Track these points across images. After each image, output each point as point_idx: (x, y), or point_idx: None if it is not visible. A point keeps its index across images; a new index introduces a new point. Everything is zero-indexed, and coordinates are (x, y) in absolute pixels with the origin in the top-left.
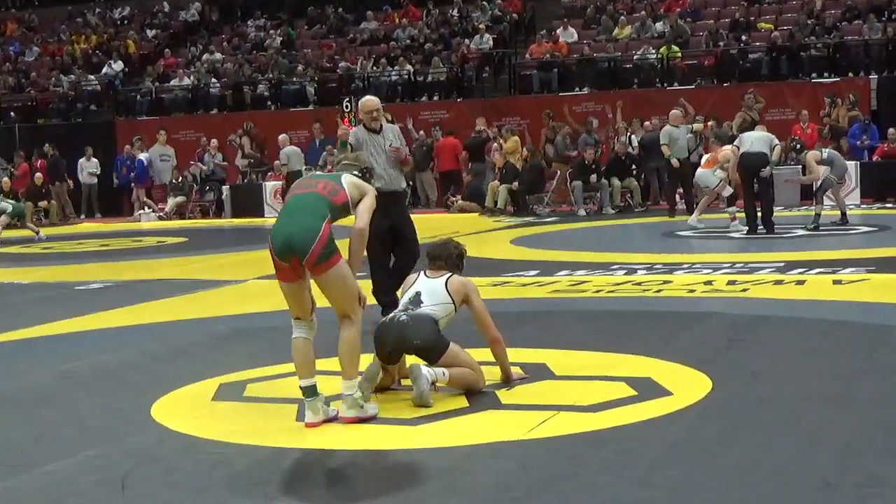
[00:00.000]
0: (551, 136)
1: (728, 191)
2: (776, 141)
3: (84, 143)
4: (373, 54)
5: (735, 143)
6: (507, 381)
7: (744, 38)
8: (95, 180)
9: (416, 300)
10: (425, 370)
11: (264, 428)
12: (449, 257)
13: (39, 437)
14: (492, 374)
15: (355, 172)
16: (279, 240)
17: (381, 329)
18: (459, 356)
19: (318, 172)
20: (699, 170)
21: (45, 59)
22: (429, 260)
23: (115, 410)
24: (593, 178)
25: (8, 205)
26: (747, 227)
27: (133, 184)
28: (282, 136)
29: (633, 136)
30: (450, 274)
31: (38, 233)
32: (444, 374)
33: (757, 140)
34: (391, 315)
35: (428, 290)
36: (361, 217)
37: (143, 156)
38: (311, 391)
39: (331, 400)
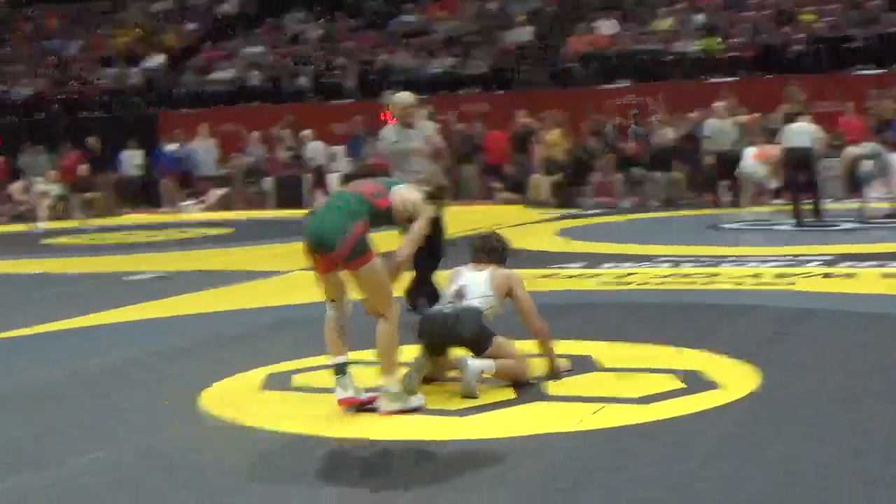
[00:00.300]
0: (593, 128)
1: (774, 183)
2: (819, 132)
3: (127, 135)
4: (413, 47)
5: (778, 138)
6: (554, 373)
7: (786, 29)
8: (138, 172)
9: (461, 293)
10: (472, 362)
11: (311, 417)
12: (493, 250)
13: (85, 425)
14: (538, 365)
15: (426, 188)
16: (310, 233)
17: (426, 322)
18: (505, 348)
19: (387, 178)
20: (745, 161)
21: (87, 53)
22: (472, 253)
23: (162, 399)
24: (636, 170)
25: (55, 186)
26: (794, 221)
27: (166, 176)
28: (305, 132)
29: (669, 130)
30: (494, 267)
31: (83, 220)
32: (490, 365)
33: (800, 133)
34: (436, 308)
35: (472, 284)
36: (404, 248)
37: (171, 147)
38: (340, 369)
39: (371, 391)
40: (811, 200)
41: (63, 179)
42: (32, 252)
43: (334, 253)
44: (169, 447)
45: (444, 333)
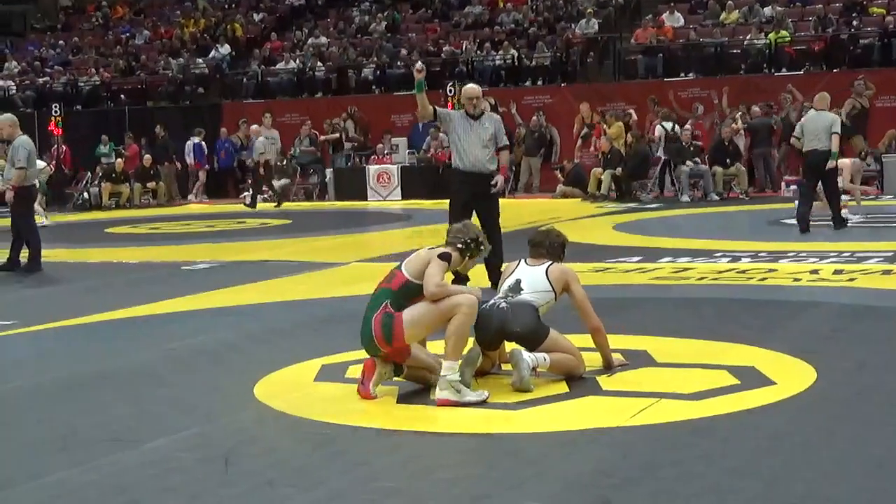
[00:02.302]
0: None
1: None
2: (836, 126)
3: (192, 125)
4: (477, 38)
5: (795, 133)
6: (608, 368)
7: (855, 22)
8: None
9: (517, 288)
10: (526, 355)
11: (365, 409)
12: (551, 246)
13: (143, 414)
14: (592, 359)
15: (459, 245)
16: (363, 342)
17: (481, 316)
18: (560, 342)
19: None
20: None
21: (154, 43)
22: (530, 247)
23: (218, 390)
24: (691, 165)
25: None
26: (800, 226)
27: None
28: (254, 127)
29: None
30: (550, 262)
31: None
32: (545, 359)
33: (819, 133)
34: (491, 302)
35: (528, 278)
36: (425, 284)
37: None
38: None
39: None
40: (832, 205)
41: (126, 169)
42: (97, 241)
43: (381, 350)
44: (223, 435)
45: (498, 327)
